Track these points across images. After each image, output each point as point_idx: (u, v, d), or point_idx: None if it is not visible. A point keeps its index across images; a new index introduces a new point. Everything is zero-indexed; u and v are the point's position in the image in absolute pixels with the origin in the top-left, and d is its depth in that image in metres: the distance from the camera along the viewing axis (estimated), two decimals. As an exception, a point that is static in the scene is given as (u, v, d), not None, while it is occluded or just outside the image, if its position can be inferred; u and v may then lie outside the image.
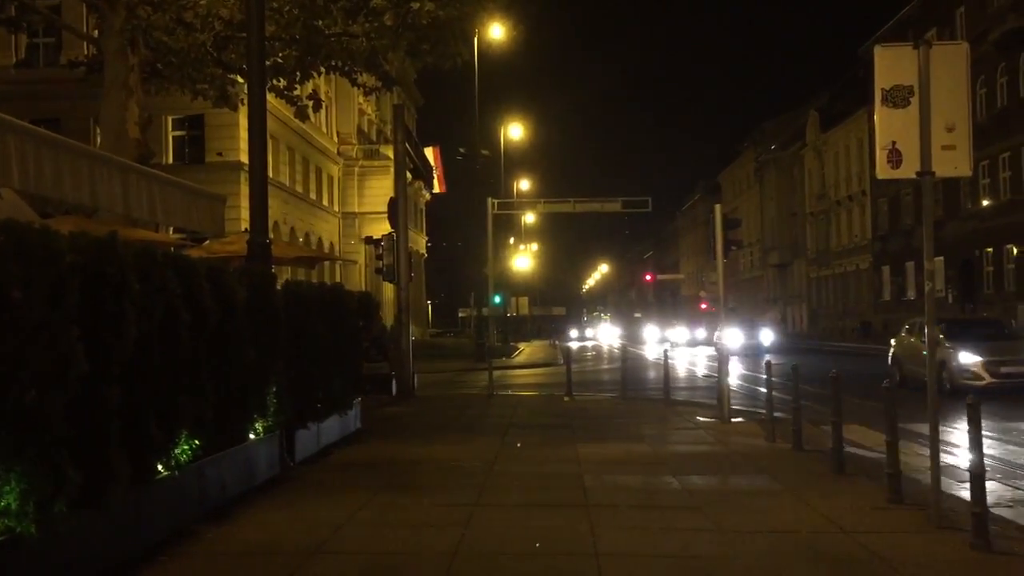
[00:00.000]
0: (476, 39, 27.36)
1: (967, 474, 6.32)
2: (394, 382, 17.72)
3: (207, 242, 15.55)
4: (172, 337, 6.20)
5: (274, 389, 8.54)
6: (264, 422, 8.40)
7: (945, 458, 7.02)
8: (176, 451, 6.39)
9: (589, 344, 67.11)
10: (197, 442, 6.69)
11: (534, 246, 75.97)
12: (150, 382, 5.90)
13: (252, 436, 8.18)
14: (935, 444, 6.82)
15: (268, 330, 8.36)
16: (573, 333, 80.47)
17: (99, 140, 16.63)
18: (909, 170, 6.94)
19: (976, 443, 6.12)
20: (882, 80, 6.99)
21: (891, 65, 7.01)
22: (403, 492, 8.36)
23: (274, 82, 15.42)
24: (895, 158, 6.97)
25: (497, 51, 37.72)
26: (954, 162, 6.95)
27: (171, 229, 17.19)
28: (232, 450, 7.63)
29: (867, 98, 46.95)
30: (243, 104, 13.06)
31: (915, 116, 6.89)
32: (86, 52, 20.01)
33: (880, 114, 6.99)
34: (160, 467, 6.20)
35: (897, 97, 6.96)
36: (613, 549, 6.29)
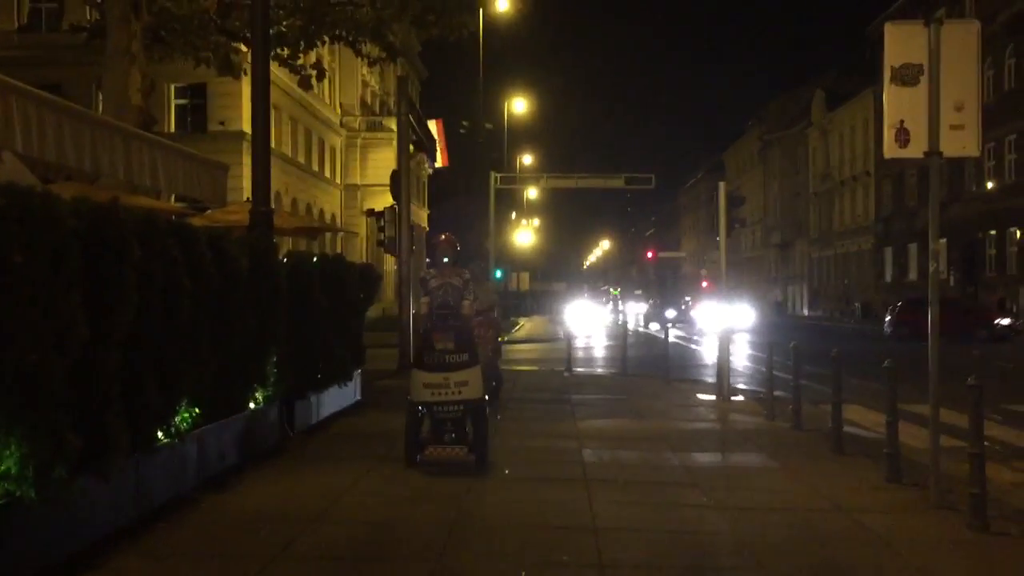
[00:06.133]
0: (481, 11, 27.16)
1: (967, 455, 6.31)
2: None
3: (209, 211, 15.51)
4: (173, 304, 6.18)
5: (274, 359, 8.54)
6: (264, 391, 8.41)
7: (943, 441, 7.02)
8: (176, 419, 6.39)
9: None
10: (197, 410, 6.69)
11: (536, 221, 75.72)
12: (151, 349, 5.89)
13: (252, 405, 8.19)
14: (935, 424, 6.82)
15: (269, 299, 8.34)
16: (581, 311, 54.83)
17: (101, 106, 16.56)
18: (917, 149, 6.89)
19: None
20: (892, 58, 6.93)
21: (901, 43, 6.94)
22: (403, 463, 8.36)
23: (277, 51, 15.31)
24: (903, 137, 6.92)
25: (502, 23, 37.49)
26: (962, 142, 6.90)
27: (173, 197, 17.14)
28: (232, 419, 7.63)
29: (874, 78, 46.69)
30: (246, 73, 12.98)
31: (924, 95, 6.83)
32: (88, 17, 19.90)
33: (889, 92, 6.93)
34: (160, 434, 6.20)
35: (906, 75, 6.90)
36: (611, 524, 6.31)
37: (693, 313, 45.43)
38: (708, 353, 24.37)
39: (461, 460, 7.95)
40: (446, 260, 8.61)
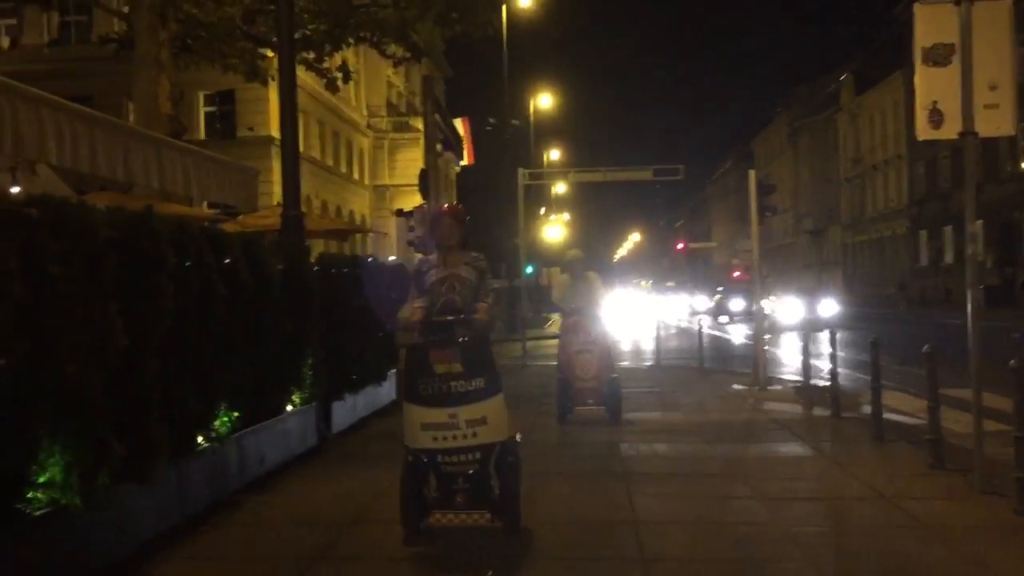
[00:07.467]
0: (505, 6, 27.11)
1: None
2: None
3: (241, 216, 15.63)
4: (209, 310, 6.23)
5: (310, 361, 8.59)
6: (301, 394, 8.46)
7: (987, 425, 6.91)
8: (216, 423, 6.45)
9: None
10: (236, 414, 6.74)
11: (565, 216, 75.60)
12: (188, 355, 5.94)
13: (289, 408, 8.24)
14: (978, 409, 6.72)
15: (303, 302, 8.40)
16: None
17: (132, 116, 16.74)
18: (951, 130, 6.79)
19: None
20: (922, 39, 6.83)
21: (931, 23, 6.84)
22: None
23: (303, 55, 15.41)
24: (936, 118, 6.81)
25: (526, 19, 37.43)
26: (997, 121, 6.78)
27: (205, 203, 17.30)
28: (270, 421, 7.69)
29: (903, 60, 46.10)
30: (273, 79, 13.09)
31: (957, 75, 6.72)
32: (117, 28, 20.09)
33: (920, 74, 6.83)
34: (200, 439, 6.26)
35: (938, 56, 6.79)
36: (651, 517, 6.28)
37: (765, 304, 39.21)
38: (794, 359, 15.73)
39: (482, 527, 5.63)
40: (450, 242, 5.81)
